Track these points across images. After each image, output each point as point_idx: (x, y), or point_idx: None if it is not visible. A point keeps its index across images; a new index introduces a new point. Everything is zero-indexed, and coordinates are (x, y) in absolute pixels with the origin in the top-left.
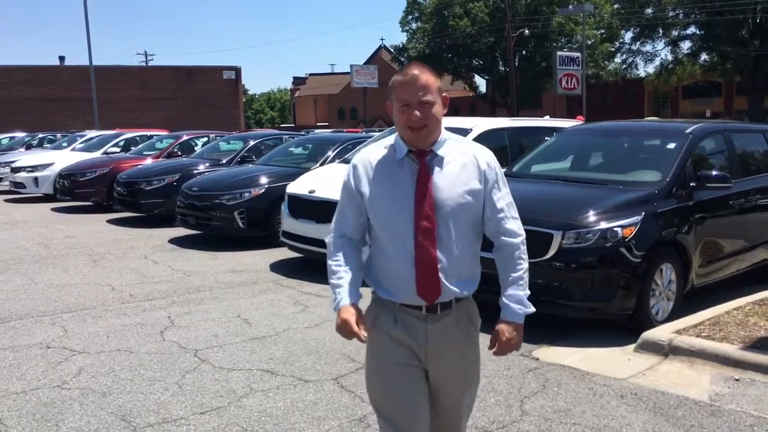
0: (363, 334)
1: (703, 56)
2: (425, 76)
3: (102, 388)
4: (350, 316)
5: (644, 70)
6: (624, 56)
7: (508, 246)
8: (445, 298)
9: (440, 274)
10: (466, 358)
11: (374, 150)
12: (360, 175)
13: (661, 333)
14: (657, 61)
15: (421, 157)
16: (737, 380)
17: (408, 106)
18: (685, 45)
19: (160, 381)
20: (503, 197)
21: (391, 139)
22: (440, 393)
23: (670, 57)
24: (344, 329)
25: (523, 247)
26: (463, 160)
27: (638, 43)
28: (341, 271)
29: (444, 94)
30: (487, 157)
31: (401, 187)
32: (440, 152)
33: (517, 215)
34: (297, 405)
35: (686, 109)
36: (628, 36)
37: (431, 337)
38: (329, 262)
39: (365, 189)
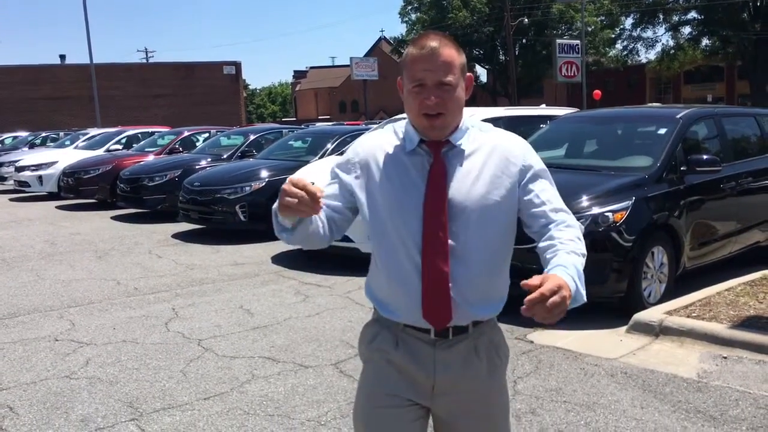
0: (318, 189)
1: (704, 41)
2: (447, 50)
3: (109, 377)
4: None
5: (645, 56)
6: (625, 43)
7: (564, 225)
8: (460, 322)
9: (452, 294)
10: (489, 397)
11: (378, 138)
12: (356, 169)
13: (652, 314)
14: (658, 47)
15: (436, 150)
16: (725, 358)
17: (423, 87)
18: (686, 30)
19: (165, 369)
20: (546, 189)
21: (400, 125)
22: None
23: (671, 42)
24: (286, 190)
25: (581, 233)
26: (489, 152)
27: (639, 29)
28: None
29: (468, 74)
30: (519, 147)
31: (409, 186)
32: (460, 143)
33: (568, 210)
34: (297, 389)
35: (688, 94)
36: (628, 22)
37: (440, 367)
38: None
39: (362, 187)
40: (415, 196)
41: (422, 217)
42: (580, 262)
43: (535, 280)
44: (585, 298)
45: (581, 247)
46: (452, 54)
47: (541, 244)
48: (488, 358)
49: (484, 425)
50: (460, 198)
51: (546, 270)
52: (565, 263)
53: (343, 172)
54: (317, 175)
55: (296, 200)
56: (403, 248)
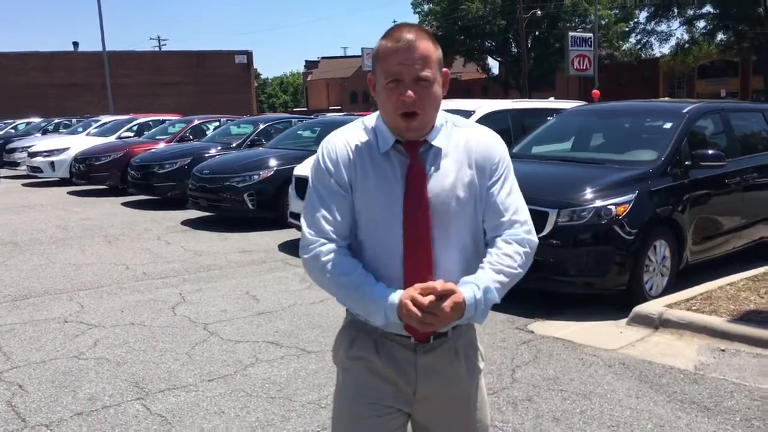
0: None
1: (719, 35)
2: (424, 43)
3: (116, 358)
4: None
5: (659, 50)
6: (638, 36)
7: (511, 237)
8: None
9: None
10: (469, 399)
11: (351, 136)
12: (337, 164)
13: (653, 306)
14: (672, 41)
15: (413, 150)
16: (723, 351)
17: (398, 83)
18: (701, 24)
19: (171, 352)
20: (509, 194)
21: (370, 121)
22: None
23: (685, 37)
24: (417, 299)
25: (528, 250)
26: (464, 151)
27: (653, 22)
28: (356, 274)
29: (444, 69)
30: (489, 143)
31: (387, 189)
32: (436, 142)
33: (526, 217)
34: (299, 373)
35: (702, 89)
36: (642, 16)
37: (422, 372)
38: (330, 278)
39: (347, 182)
40: (394, 201)
41: (402, 224)
42: (501, 282)
43: (437, 284)
44: (482, 321)
45: (516, 265)
46: (429, 47)
47: (488, 250)
48: (467, 360)
49: (463, 428)
50: (440, 201)
51: (463, 279)
52: (481, 282)
53: (328, 178)
54: None
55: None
56: (383, 256)
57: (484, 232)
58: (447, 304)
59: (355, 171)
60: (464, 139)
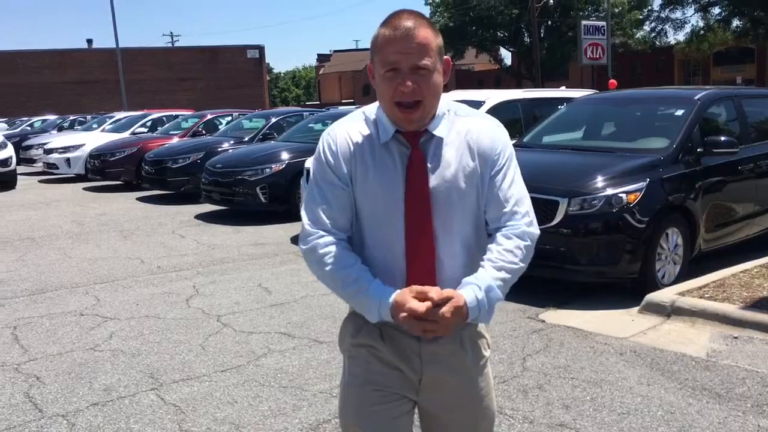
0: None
1: (735, 22)
2: (423, 30)
3: (131, 350)
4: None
5: (674, 37)
6: (653, 24)
7: (511, 231)
8: None
9: (440, 288)
10: (475, 387)
11: (350, 127)
12: (338, 157)
13: (665, 294)
14: (687, 29)
15: (414, 140)
16: (736, 338)
17: (396, 72)
18: (716, 11)
19: (185, 343)
20: (510, 185)
21: (371, 111)
22: None
23: (700, 24)
24: (410, 302)
25: (529, 243)
26: (466, 140)
27: (667, 10)
28: (354, 268)
29: (446, 57)
30: (492, 132)
31: (388, 180)
32: (437, 132)
33: (528, 208)
34: (311, 363)
35: (718, 76)
36: (656, 3)
37: (427, 361)
38: (327, 270)
39: (347, 174)
40: (395, 192)
41: (404, 215)
42: (503, 279)
43: (433, 291)
44: (488, 321)
45: (518, 260)
46: (428, 35)
47: (488, 245)
48: (473, 350)
49: (470, 416)
50: (442, 191)
51: (465, 280)
52: (482, 281)
53: (329, 171)
54: None
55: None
56: (385, 249)
57: (486, 222)
58: (446, 309)
59: (355, 163)
60: (466, 128)
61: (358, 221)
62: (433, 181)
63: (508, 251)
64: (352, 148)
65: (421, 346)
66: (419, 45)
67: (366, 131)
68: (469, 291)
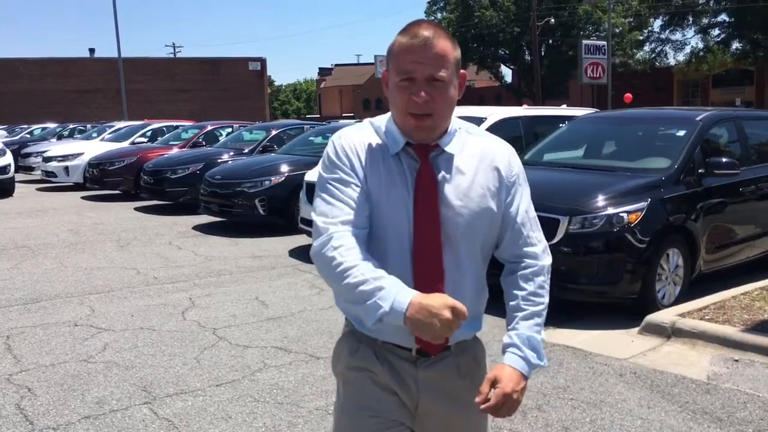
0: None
1: (735, 44)
2: (442, 41)
3: (125, 362)
4: (435, 295)
5: (674, 58)
6: (653, 45)
7: (530, 271)
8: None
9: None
10: (470, 416)
11: (362, 136)
12: (350, 158)
13: (665, 315)
14: (687, 50)
15: (424, 154)
16: (737, 361)
17: (411, 82)
18: (715, 33)
19: (180, 356)
20: (526, 210)
21: (380, 122)
22: None
23: (700, 45)
24: (442, 311)
25: (547, 276)
26: (478, 159)
27: (667, 31)
28: (367, 261)
29: (462, 71)
30: (507, 154)
31: (396, 194)
32: (449, 148)
33: (541, 234)
34: (307, 379)
35: (717, 97)
36: (657, 24)
37: (423, 388)
38: (332, 253)
39: (361, 173)
40: (402, 207)
41: (412, 231)
42: (539, 325)
43: (485, 387)
44: (545, 364)
45: (543, 299)
46: (447, 47)
47: (507, 282)
48: (470, 376)
49: None
50: (452, 209)
51: (503, 343)
52: (520, 341)
53: (348, 166)
54: None
55: (452, 332)
56: (392, 263)
57: (496, 245)
58: (517, 398)
59: (368, 168)
60: (479, 147)
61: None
62: (443, 197)
63: (533, 294)
64: (363, 153)
65: (417, 371)
66: (436, 55)
67: (375, 140)
68: (514, 360)
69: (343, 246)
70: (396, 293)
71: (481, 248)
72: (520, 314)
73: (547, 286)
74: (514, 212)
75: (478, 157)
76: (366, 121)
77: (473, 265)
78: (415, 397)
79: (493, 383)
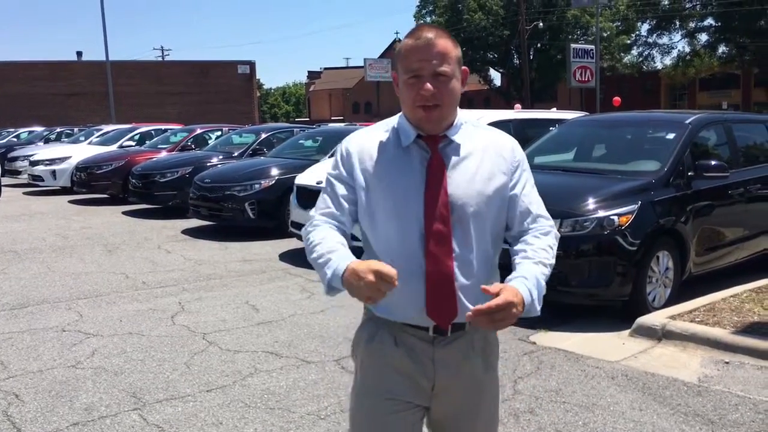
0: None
1: (721, 48)
2: (443, 40)
3: (114, 368)
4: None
5: (661, 62)
6: (640, 48)
7: (541, 231)
8: (460, 319)
9: (456, 290)
10: (484, 392)
11: (372, 134)
12: (355, 165)
13: (655, 318)
14: (674, 54)
15: (433, 144)
16: (727, 363)
17: (418, 78)
18: (702, 37)
19: (170, 361)
20: (532, 194)
21: (393, 122)
22: None
23: (687, 49)
24: (367, 275)
25: (555, 242)
26: (484, 149)
27: (654, 35)
28: (329, 239)
29: (464, 67)
30: (512, 144)
31: (408, 182)
32: (456, 138)
33: (548, 215)
34: (299, 384)
35: (704, 101)
36: (644, 28)
37: (440, 366)
38: (308, 235)
39: (362, 182)
40: (414, 193)
41: (423, 214)
42: (544, 274)
43: (494, 287)
44: (539, 312)
45: (550, 257)
46: (448, 45)
47: (516, 247)
48: (483, 354)
49: (476, 419)
50: (460, 193)
51: (510, 276)
52: (528, 274)
53: (345, 171)
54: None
55: (383, 297)
56: (405, 246)
57: (507, 227)
58: (506, 313)
59: (371, 166)
60: (484, 137)
61: (376, 221)
62: (452, 183)
63: (542, 249)
64: (368, 152)
65: (434, 350)
66: (439, 53)
67: (386, 137)
68: (520, 284)
69: (317, 229)
70: (339, 262)
71: (491, 230)
72: (530, 259)
73: (554, 251)
74: (520, 193)
75: (483, 146)
76: (379, 122)
77: (482, 245)
78: (432, 376)
79: (497, 293)
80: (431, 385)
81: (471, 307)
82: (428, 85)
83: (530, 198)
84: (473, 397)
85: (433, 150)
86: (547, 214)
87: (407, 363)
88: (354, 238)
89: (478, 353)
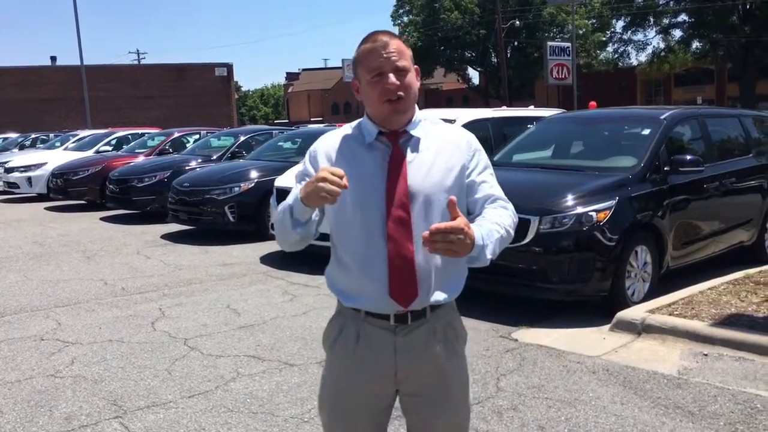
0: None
1: (695, 44)
2: (396, 41)
3: (94, 376)
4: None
5: (636, 58)
6: (615, 45)
7: (499, 205)
8: (419, 305)
9: (417, 272)
10: (449, 378)
11: (337, 135)
12: (320, 163)
13: (635, 312)
14: (649, 50)
15: (394, 139)
16: (706, 355)
17: (381, 75)
18: (676, 33)
19: (150, 368)
20: (489, 180)
21: (356, 122)
22: (419, 425)
23: (661, 45)
24: (319, 175)
25: (513, 221)
26: (441, 141)
27: (629, 32)
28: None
29: (415, 66)
30: (467, 137)
31: (371, 174)
32: (415, 133)
33: (507, 199)
34: (282, 387)
35: (679, 96)
36: (619, 25)
37: (401, 353)
38: (275, 215)
39: None
40: (378, 184)
41: (385, 203)
42: (499, 231)
43: (444, 224)
44: (488, 261)
45: (507, 222)
46: (401, 45)
47: (475, 220)
48: (446, 341)
49: (443, 405)
50: (419, 183)
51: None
52: (483, 224)
53: (312, 168)
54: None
55: (337, 189)
56: (368, 234)
57: (468, 212)
58: (459, 236)
59: (337, 163)
60: (441, 131)
61: (342, 213)
62: (411, 173)
63: (498, 215)
64: (334, 149)
65: (395, 339)
66: (396, 51)
67: (351, 135)
68: (474, 226)
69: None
70: (294, 193)
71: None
72: (486, 219)
73: (511, 227)
74: (478, 180)
75: (441, 139)
76: (345, 125)
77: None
78: (393, 363)
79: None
80: (393, 371)
81: (430, 290)
82: (392, 78)
83: (489, 183)
84: (438, 383)
85: (395, 144)
86: (506, 199)
87: (368, 354)
88: (323, 238)
89: (440, 340)
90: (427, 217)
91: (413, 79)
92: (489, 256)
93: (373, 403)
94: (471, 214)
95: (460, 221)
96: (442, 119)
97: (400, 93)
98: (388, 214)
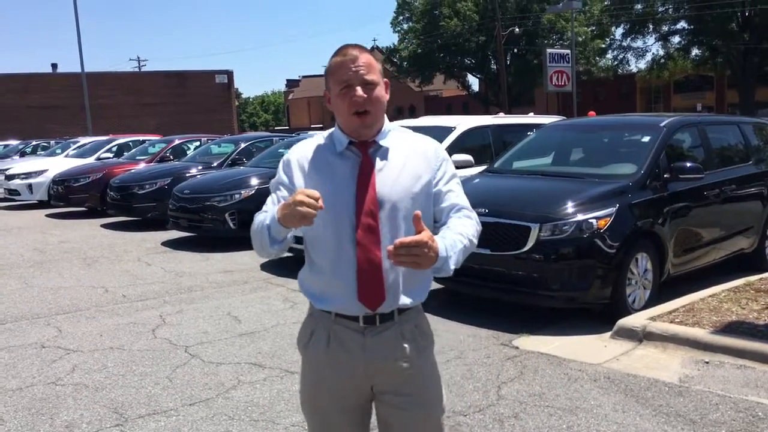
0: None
1: (694, 51)
2: (366, 55)
3: (95, 384)
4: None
5: (636, 65)
6: (615, 52)
7: (464, 214)
8: (387, 308)
9: (384, 277)
10: (417, 377)
11: (310, 144)
12: (294, 171)
13: (636, 320)
14: (648, 57)
15: (364, 149)
16: (707, 363)
17: (350, 87)
18: (676, 40)
19: (151, 376)
20: (456, 189)
21: (328, 132)
22: (393, 426)
23: (661, 52)
24: (295, 198)
25: (476, 230)
26: (409, 151)
27: (629, 39)
28: (262, 216)
29: (385, 79)
30: (435, 146)
31: (341, 182)
32: (384, 143)
33: (472, 209)
34: (283, 395)
35: (678, 103)
36: (618, 32)
37: (370, 352)
38: (252, 227)
39: (301, 185)
40: (347, 192)
41: (355, 210)
42: (462, 242)
43: (408, 238)
44: (451, 271)
45: (470, 232)
46: (371, 58)
47: (440, 229)
48: (414, 341)
49: (421, 400)
50: (387, 191)
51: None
52: (446, 236)
53: (286, 176)
54: None
55: (313, 211)
56: (339, 239)
57: (435, 220)
58: (422, 249)
59: (309, 171)
60: (409, 141)
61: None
62: (380, 182)
63: (462, 225)
64: (306, 158)
65: (365, 339)
66: (365, 64)
67: (323, 144)
68: (437, 238)
69: (256, 218)
70: (272, 213)
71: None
72: (450, 230)
73: (474, 236)
74: (444, 189)
75: (409, 149)
76: (317, 134)
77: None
78: (362, 361)
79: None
80: (364, 368)
81: (397, 294)
82: (360, 91)
83: (455, 192)
84: (411, 382)
85: (364, 154)
86: (470, 208)
87: (340, 353)
88: (297, 241)
89: (408, 341)
90: (397, 223)
91: (382, 93)
92: (452, 267)
93: (348, 399)
94: (437, 223)
95: (424, 235)
96: (443, 126)
97: (367, 107)
98: (357, 221)
